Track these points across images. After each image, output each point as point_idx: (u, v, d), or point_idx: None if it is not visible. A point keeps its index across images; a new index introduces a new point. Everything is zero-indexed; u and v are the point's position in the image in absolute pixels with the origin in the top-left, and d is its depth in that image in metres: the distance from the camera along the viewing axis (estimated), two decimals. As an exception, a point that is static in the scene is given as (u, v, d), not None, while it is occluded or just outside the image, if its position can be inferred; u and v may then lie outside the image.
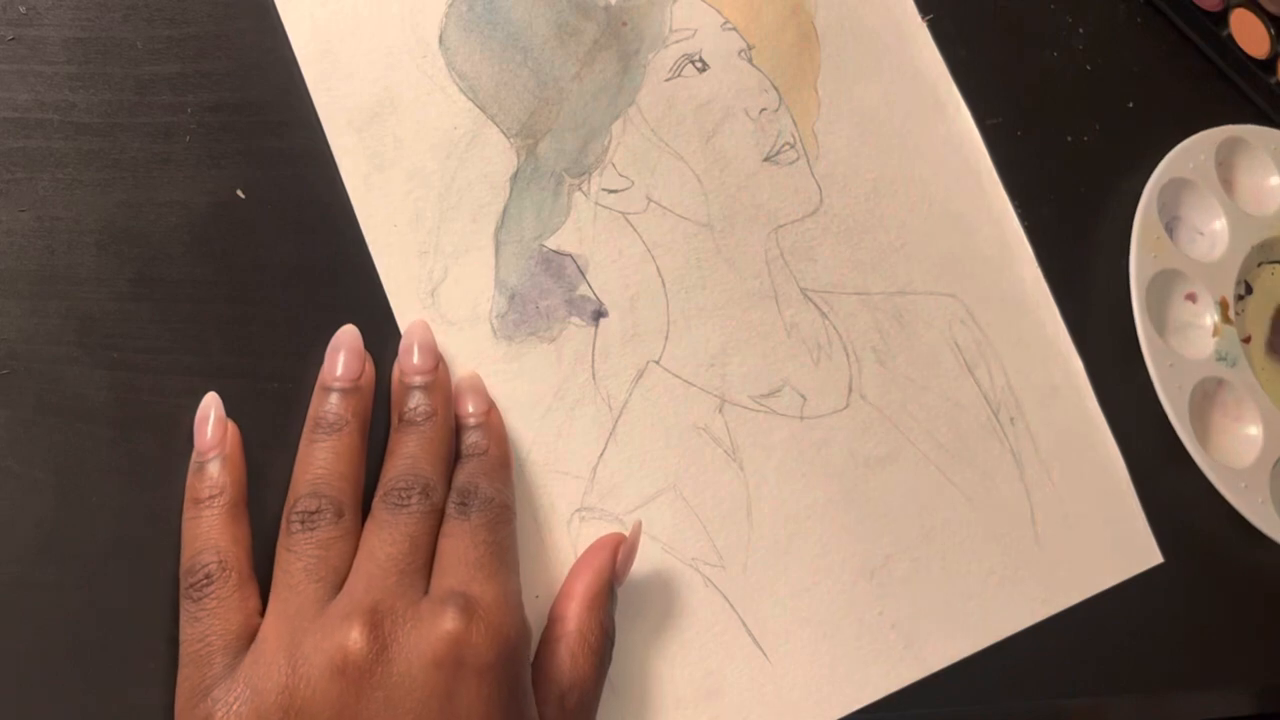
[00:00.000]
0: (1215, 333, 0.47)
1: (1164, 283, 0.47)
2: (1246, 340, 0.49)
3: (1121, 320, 0.46)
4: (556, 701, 0.32)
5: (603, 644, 0.34)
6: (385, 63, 0.37)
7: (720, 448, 0.39)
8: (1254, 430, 0.47)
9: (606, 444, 0.38)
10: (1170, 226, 0.48)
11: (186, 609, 0.31)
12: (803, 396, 0.40)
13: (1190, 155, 0.48)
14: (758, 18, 0.43)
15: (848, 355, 0.41)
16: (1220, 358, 0.47)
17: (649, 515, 0.38)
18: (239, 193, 0.35)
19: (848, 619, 0.39)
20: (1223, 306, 0.48)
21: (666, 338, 0.39)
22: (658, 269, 0.40)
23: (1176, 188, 0.48)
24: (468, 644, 0.29)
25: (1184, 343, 0.47)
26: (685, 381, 0.39)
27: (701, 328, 0.40)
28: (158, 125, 0.35)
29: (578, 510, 0.37)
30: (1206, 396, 0.47)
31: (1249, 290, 0.50)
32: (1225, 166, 0.50)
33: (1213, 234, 0.49)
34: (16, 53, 0.34)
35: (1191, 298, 0.48)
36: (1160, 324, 0.47)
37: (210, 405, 0.33)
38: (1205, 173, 0.48)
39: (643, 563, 0.37)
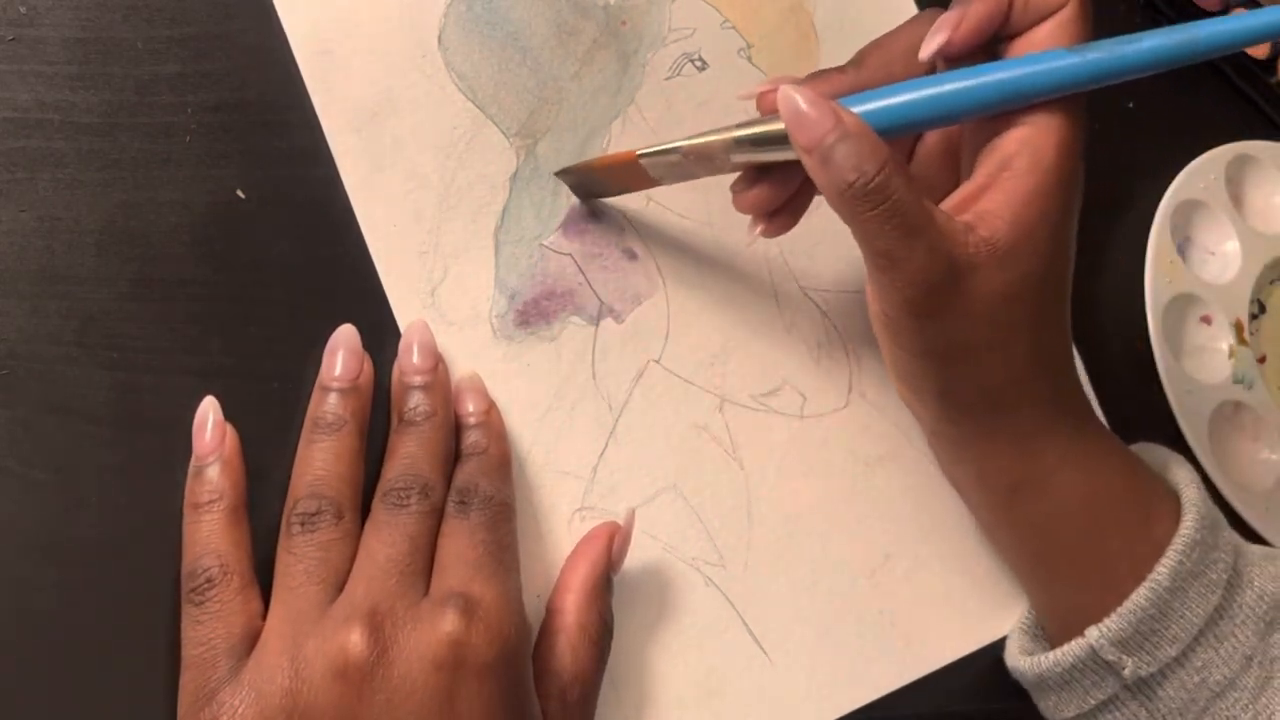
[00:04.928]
0: (1231, 355, 0.47)
1: (1179, 307, 0.47)
2: (1262, 360, 0.48)
3: (1136, 346, 0.45)
4: (558, 696, 0.32)
5: (602, 636, 0.34)
6: (385, 63, 0.37)
7: (720, 447, 0.39)
8: (1272, 455, 0.47)
9: (606, 443, 0.38)
10: (1182, 248, 0.48)
11: (189, 613, 0.31)
12: (802, 395, 0.40)
13: (1200, 176, 0.48)
14: (757, 16, 0.43)
15: (847, 354, 0.41)
16: (1237, 380, 0.47)
17: (649, 515, 0.38)
18: (239, 193, 0.35)
19: (848, 617, 0.39)
20: (1238, 328, 0.47)
21: (666, 337, 0.39)
22: (658, 268, 0.40)
23: (1188, 209, 0.48)
24: (467, 645, 0.29)
25: (1200, 367, 0.47)
26: (685, 381, 0.39)
27: (701, 327, 0.40)
28: (158, 125, 0.35)
29: (578, 510, 0.37)
30: (1225, 420, 0.46)
31: (1262, 309, 0.49)
32: (1234, 183, 0.49)
33: (1225, 255, 0.48)
34: (17, 53, 0.34)
35: (1207, 320, 0.47)
36: (1176, 349, 0.46)
37: (208, 409, 0.33)
38: (1216, 193, 0.48)
39: (643, 562, 0.37)
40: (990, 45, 0.34)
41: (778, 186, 0.35)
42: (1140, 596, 0.34)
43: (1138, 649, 0.35)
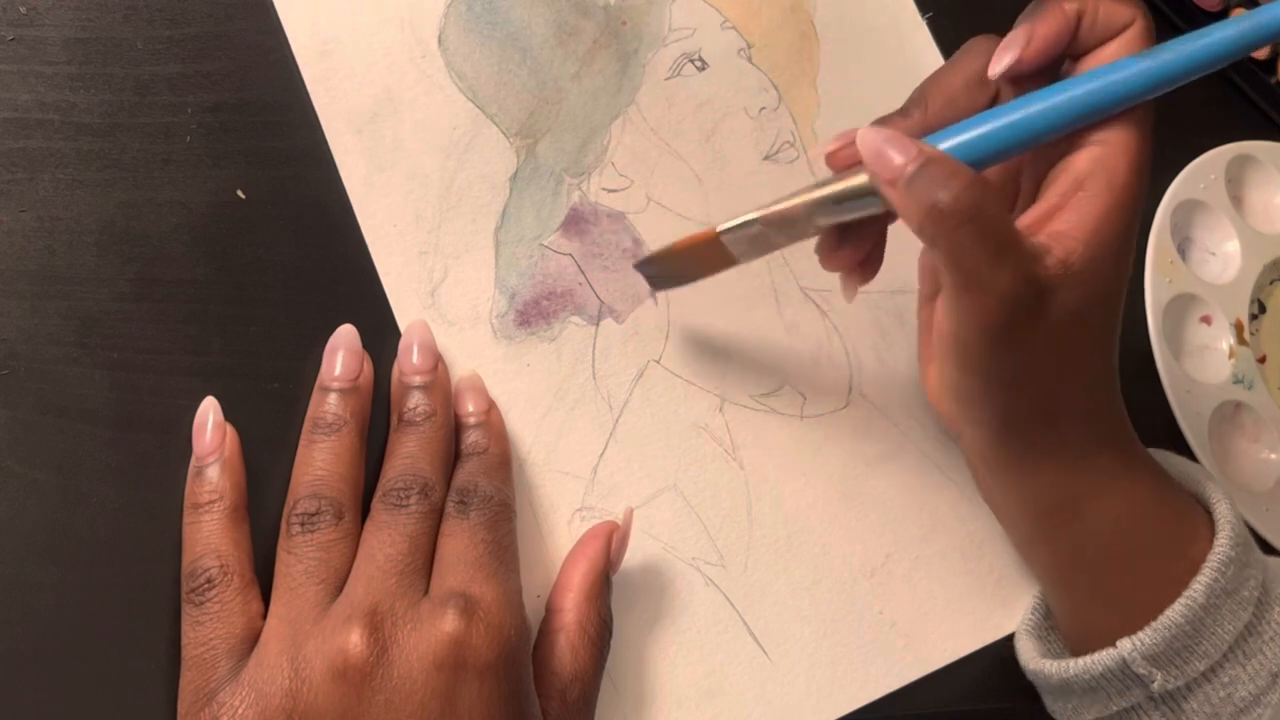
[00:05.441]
0: (1231, 355, 0.47)
1: (1180, 307, 0.47)
2: (1262, 360, 0.48)
3: (1137, 345, 0.45)
4: (558, 696, 0.32)
5: (602, 635, 0.34)
6: (385, 63, 0.37)
7: (720, 447, 0.39)
8: (1272, 455, 0.47)
9: (607, 444, 0.38)
10: (1182, 248, 0.48)
11: (189, 613, 0.31)
12: (803, 395, 0.40)
13: (1201, 176, 0.48)
14: (757, 16, 0.43)
15: (847, 354, 0.41)
16: (1237, 380, 0.47)
17: (649, 515, 0.38)
18: (239, 193, 0.35)
19: (848, 617, 0.39)
20: (1238, 328, 0.47)
21: (666, 337, 0.39)
22: (658, 268, 0.40)
23: (1188, 209, 0.48)
24: (468, 645, 0.29)
25: (1200, 367, 0.47)
26: (685, 381, 0.39)
27: (701, 327, 0.40)
28: (158, 125, 0.35)
29: (578, 510, 0.37)
30: (1225, 419, 0.46)
31: (1263, 309, 0.49)
32: (1234, 183, 0.49)
33: (1225, 255, 0.48)
34: (17, 53, 0.34)
35: (1207, 320, 0.47)
36: (1176, 349, 0.46)
37: (208, 410, 0.33)
38: (1216, 193, 0.48)
39: (643, 562, 0.37)
40: (1056, 65, 0.34)
41: (861, 241, 0.35)
42: (1175, 613, 0.34)
43: (1168, 663, 0.35)
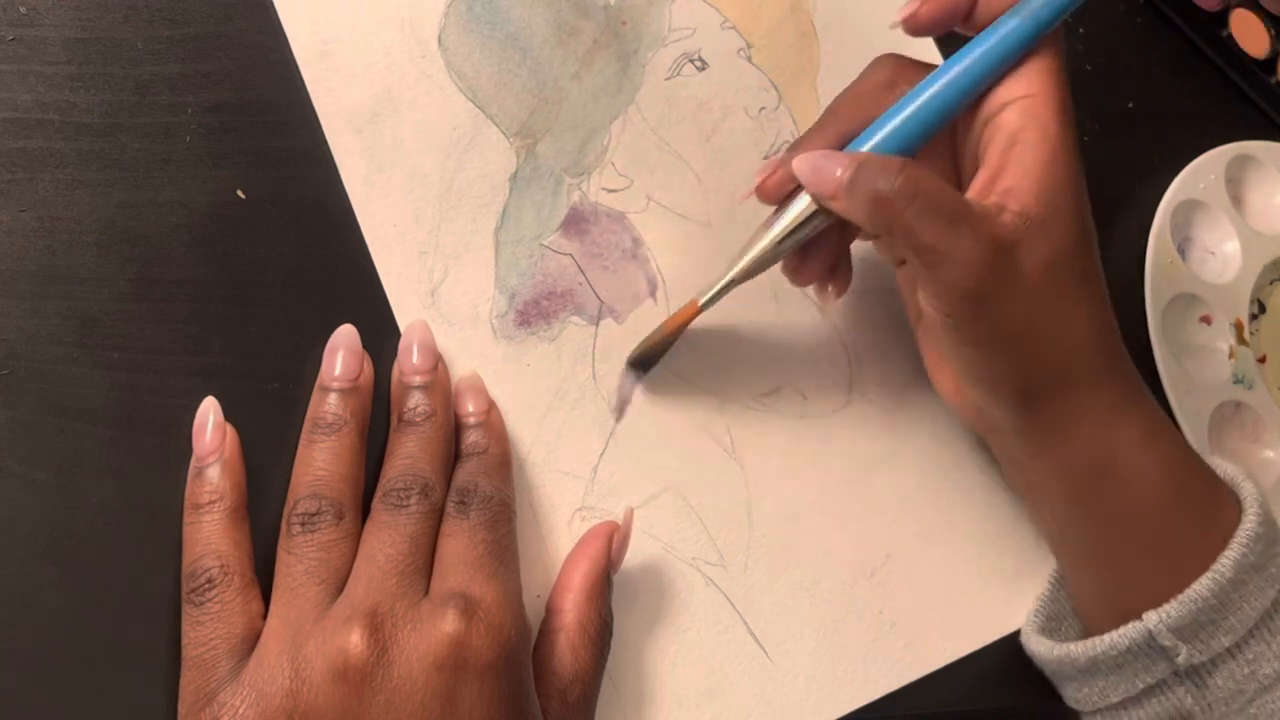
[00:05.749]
0: (1231, 355, 0.47)
1: (1179, 307, 0.47)
2: (1262, 360, 0.48)
3: (1137, 344, 0.45)
4: (559, 696, 0.32)
5: (602, 635, 0.34)
6: (385, 63, 0.37)
7: (720, 447, 0.39)
8: (1272, 454, 0.47)
9: (606, 444, 0.38)
10: (1182, 248, 0.48)
11: (189, 613, 0.31)
12: (803, 395, 0.40)
13: (1200, 176, 0.48)
14: (757, 16, 0.43)
15: (847, 354, 0.41)
16: (1237, 380, 0.47)
17: (649, 515, 0.38)
18: (239, 193, 0.35)
19: (848, 617, 0.39)
20: (1238, 328, 0.47)
21: (666, 337, 0.39)
22: (658, 268, 0.40)
23: (1188, 209, 0.48)
24: (468, 645, 0.29)
25: (1200, 367, 0.47)
26: (686, 381, 0.39)
27: (701, 327, 0.40)
28: (158, 125, 0.35)
29: (578, 510, 0.37)
30: (1225, 419, 0.46)
31: (1262, 309, 0.49)
32: (1234, 183, 0.49)
33: (1225, 255, 0.49)
34: (17, 53, 0.34)
35: (1206, 320, 0.47)
36: (1176, 349, 0.46)
37: (208, 410, 0.33)
38: (1216, 193, 0.48)
39: (643, 562, 0.37)
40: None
41: (823, 252, 0.36)
42: (1202, 586, 0.35)
43: (1193, 637, 0.35)
